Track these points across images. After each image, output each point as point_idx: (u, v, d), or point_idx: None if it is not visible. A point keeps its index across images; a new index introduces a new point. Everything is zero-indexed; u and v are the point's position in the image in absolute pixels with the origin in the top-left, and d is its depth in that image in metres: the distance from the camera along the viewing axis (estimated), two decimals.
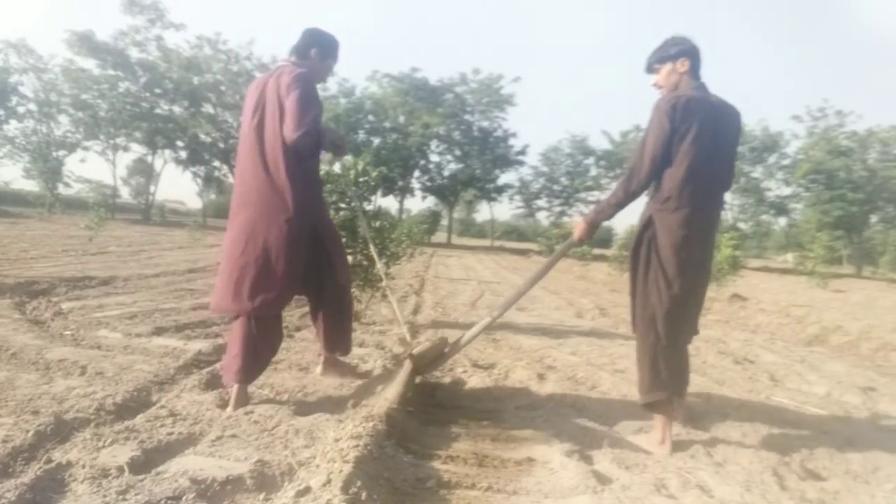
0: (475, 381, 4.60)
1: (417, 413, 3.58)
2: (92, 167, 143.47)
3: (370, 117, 48.37)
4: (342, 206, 6.49)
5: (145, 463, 2.58)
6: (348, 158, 6.57)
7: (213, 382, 3.92)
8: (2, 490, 2.21)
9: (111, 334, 5.21)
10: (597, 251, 40.12)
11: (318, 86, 3.79)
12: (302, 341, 5.52)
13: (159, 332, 5.42)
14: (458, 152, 49.56)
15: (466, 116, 49.20)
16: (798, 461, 3.21)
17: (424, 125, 46.05)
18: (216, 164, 47.81)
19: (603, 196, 57.40)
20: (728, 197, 46.11)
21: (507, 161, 48.69)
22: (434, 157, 50.00)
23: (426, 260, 21.82)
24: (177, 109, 45.61)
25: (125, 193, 61.75)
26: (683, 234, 3.21)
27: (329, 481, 2.17)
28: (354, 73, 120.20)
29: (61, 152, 42.32)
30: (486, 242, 49.96)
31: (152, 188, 48.47)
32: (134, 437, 2.80)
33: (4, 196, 39.56)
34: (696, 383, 5.01)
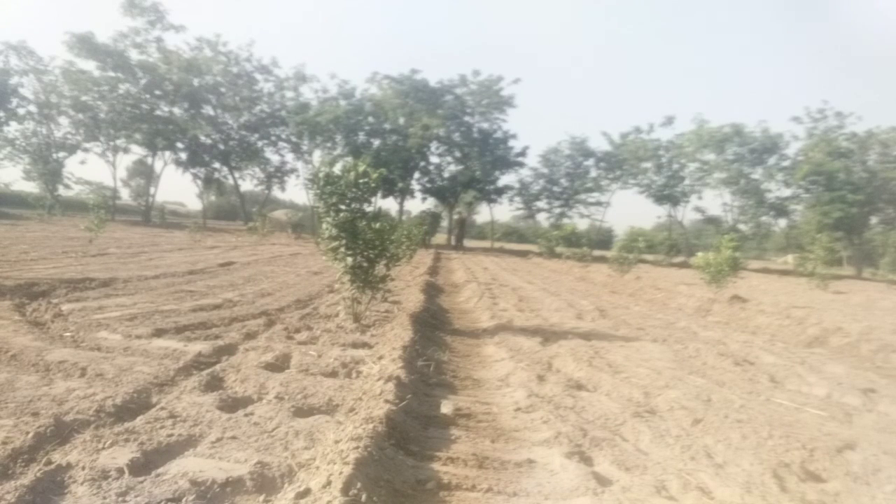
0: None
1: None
2: (92, 169, 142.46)
3: (370, 119, 48.36)
4: (342, 207, 6.49)
5: (145, 465, 2.58)
6: (348, 160, 6.57)
7: (213, 384, 3.92)
8: (2, 491, 2.21)
9: (111, 336, 5.21)
10: (597, 253, 40.25)
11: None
12: (302, 343, 5.52)
13: (159, 333, 5.42)
14: (457, 154, 49.58)
15: (466, 118, 49.20)
16: (798, 462, 3.21)
17: (424, 127, 46.06)
18: (216, 165, 47.90)
19: (603, 197, 55.34)
20: (728, 198, 46.23)
21: (506, 162, 48.67)
22: (434, 159, 50.04)
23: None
24: (177, 111, 45.71)
25: (125, 195, 61.67)
26: None
27: (329, 483, 2.17)
28: (354, 75, 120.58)
29: (61, 154, 42.42)
30: (486, 244, 49.89)
31: (152, 190, 48.63)
32: (134, 439, 2.80)
33: (5, 198, 39.57)
34: (697, 385, 5.01)
